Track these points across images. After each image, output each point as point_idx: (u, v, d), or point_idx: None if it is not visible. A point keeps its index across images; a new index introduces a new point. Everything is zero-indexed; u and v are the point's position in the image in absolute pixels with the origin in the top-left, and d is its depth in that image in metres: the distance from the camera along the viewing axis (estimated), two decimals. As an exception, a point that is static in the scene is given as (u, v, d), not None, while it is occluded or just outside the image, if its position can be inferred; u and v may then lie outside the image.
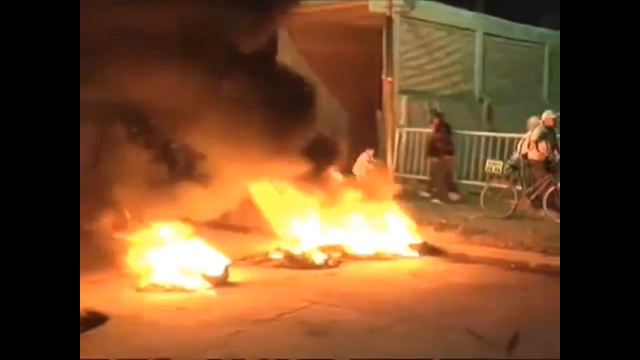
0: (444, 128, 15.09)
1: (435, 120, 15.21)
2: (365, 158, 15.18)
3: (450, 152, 15.01)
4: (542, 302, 7.76)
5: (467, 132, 15.74)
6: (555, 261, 9.27)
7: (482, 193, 13.26)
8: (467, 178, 15.38)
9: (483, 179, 15.01)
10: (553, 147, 12.58)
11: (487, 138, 15.37)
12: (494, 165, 13.41)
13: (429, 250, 10.22)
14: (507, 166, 13.13)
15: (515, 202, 12.73)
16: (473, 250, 10.35)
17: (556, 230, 10.85)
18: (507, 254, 10.02)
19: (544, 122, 12.87)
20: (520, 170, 13.12)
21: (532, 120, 14.03)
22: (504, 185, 13.14)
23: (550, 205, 12.10)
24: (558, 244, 9.91)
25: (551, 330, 6.36)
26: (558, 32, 19.46)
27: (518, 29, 19.69)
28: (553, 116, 12.66)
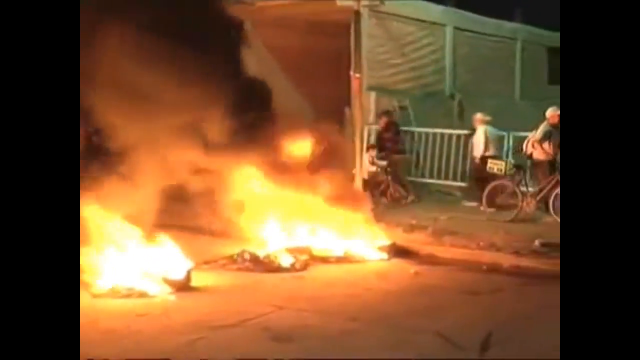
0: (394, 128, 14.89)
1: (384, 119, 14.99)
2: (368, 159, 14.63)
3: (400, 152, 14.77)
4: (514, 304, 7.83)
5: (439, 130, 15.48)
6: (527, 262, 9.43)
7: (484, 194, 12.78)
8: (439, 178, 15.20)
9: (454, 179, 14.85)
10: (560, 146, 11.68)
11: (459, 136, 15.14)
12: (495, 165, 12.69)
13: (398, 251, 10.09)
14: (510, 166, 12.53)
15: (520, 203, 12.21)
16: (443, 251, 10.24)
17: (529, 231, 10.78)
18: (478, 255, 9.92)
19: (548, 120, 12.38)
20: (525, 171, 12.70)
21: (478, 116, 13.83)
22: (508, 185, 12.61)
23: (557, 207, 11.44)
24: (530, 245, 9.97)
25: (524, 332, 6.56)
26: (530, 27, 19.51)
27: (489, 24, 19.62)
28: (559, 112, 11.87)
